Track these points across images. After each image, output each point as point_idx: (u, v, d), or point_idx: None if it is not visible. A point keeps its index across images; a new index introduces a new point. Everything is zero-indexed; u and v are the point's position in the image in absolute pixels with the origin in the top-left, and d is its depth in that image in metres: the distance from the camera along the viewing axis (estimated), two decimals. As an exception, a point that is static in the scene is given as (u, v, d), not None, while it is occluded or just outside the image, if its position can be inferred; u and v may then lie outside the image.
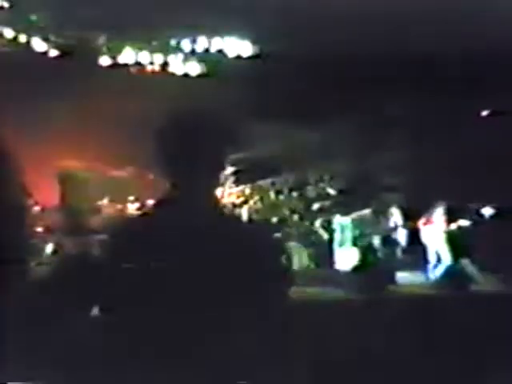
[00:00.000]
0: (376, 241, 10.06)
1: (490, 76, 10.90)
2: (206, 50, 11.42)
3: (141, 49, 11.26)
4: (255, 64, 11.45)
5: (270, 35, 11.01)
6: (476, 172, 11.16)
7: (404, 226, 10.57)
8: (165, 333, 3.03)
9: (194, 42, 11.42)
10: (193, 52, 11.43)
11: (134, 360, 3.03)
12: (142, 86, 11.26)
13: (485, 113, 11.83)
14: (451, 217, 10.31)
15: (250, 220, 10.32)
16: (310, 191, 11.50)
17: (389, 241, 10.34)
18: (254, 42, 11.40)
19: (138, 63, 11.37)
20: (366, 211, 10.23)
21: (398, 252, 10.58)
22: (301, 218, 10.36)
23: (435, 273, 10.15)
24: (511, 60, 10.06)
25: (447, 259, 10.10)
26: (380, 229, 10.27)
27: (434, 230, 10.29)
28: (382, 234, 10.19)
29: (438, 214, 10.27)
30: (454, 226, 10.25)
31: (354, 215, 10.18)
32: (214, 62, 11.45)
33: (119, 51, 11.18)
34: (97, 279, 3.21)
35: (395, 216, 10.64)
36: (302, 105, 10.80)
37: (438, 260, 10.23)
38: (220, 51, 11.41)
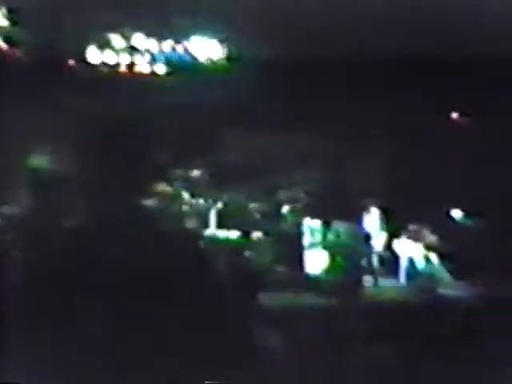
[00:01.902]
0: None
1: (460, 79, 10.92)
2: (174, 51, 11.28)
3: (105, 48, 11.09)
4: (226, 66, 11.36)
5: (242, 37, 10.92)
6: (448, 175, 11.17)
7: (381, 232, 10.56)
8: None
9: (161, 42, 11.28)
10: (160, 53, 11.29)
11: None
12: (107, 85, 11.12)
13: (455, 115, 11.83)
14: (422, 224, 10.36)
15: (220, 223, 10.25)
16: (281, 195, 11.43)
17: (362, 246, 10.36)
18: (224, 44, 11.29)
19: (104, 63, 11.18)
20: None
21: (372, 257, 10.55)
22: (270, 221, 10.27)
23: (407, 277, 10.15)
24: (482, 62, 10.09)
25: (420, 264, 10.11)
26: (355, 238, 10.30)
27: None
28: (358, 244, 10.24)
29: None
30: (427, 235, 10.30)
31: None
32: (181, 63, 11.33)
33: (83, 50, 11.00)
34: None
35: (373, 217, 10.59)
36: (272, 108, 10.73)
37: (411, 265, 10.22)
38: (188, 53, 11.29)
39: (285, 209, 10.74)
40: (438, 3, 10.36)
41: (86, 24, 11.05)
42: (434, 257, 10.29)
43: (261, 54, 10.78)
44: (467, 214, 10.80)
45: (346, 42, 10.16)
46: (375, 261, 10.44)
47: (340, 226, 10.39)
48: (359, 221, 10.77)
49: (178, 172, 10.57)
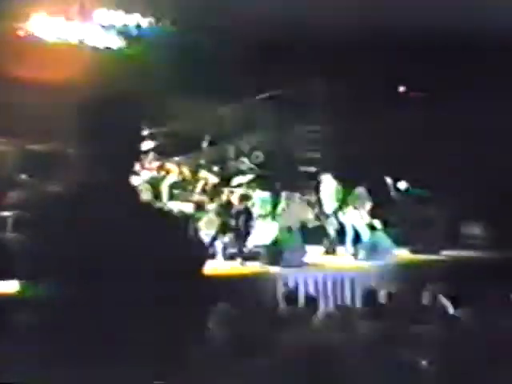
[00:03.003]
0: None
1: (410, 54, 11.08)
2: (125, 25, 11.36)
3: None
4: (175, 37, 11.42)
5: (189, 9, 10.99)
6: (397, 148, 11.40)
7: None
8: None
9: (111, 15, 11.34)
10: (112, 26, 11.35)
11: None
12: (61, 59, 11.11)
13: (402, 89, 12.02)
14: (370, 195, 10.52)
15: (172, 196, 10.24)
16: (231, 166, 11.51)
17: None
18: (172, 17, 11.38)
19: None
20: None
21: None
22: (220, 192, 10.33)
23: (354, 247, 10.34)
24: (433, 40, 10.25)
25: (365, 235, 10.29)
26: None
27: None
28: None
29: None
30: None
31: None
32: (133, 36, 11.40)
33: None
34: (11, 255, 3.14)
35: (327, 186, 10.68)
36: (221, 79, 10.82)
37: (356, 236, 10.41)
38: (138, 25, 11.36)
39: (235, 181, 10.85)
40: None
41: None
42: (378, 225, 10.48)
43: (209, 25, 10.90)
44: (413, 186, 11.06)
45: (297, 16, 10.28)
46: (331, 230, 10.60)
47: (291, 196, 10.50)
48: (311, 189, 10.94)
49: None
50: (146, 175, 10.26)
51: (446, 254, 10.55)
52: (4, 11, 10.77)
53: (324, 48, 10.97)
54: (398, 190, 11.11)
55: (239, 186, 10.67)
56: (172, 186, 10.19)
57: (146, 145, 10.39)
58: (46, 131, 10.38)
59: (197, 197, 10.24)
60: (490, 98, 10.61)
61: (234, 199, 9.97)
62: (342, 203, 10.54)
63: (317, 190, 10.89)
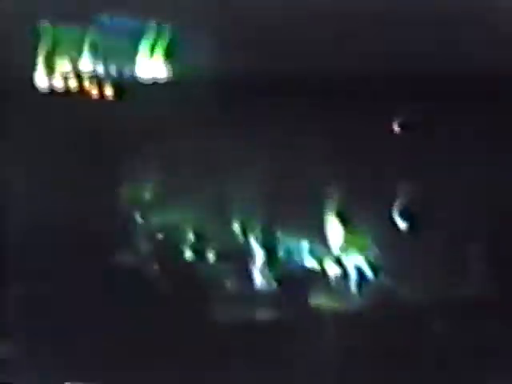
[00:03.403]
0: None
1: (399, 90, 11.17)
2: (120, 74, 11.42)
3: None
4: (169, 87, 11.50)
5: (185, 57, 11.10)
6: (389, 182, 11.44)
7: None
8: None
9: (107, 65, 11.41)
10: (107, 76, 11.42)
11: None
12: (55, 108, 11.21)
13: (396, 127, 12.06)
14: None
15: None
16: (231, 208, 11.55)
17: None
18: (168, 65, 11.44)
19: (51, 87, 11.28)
20: None
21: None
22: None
23: (357, 287, 10.36)
24: (418, 73, 10.36)
25: (369, 274, 10.33)
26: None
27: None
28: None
29: None
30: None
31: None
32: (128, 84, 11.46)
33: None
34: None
35: (331, 225, 10.69)
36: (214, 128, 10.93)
37: (359, 275, 10.44)
38: (133, 76, 11.43)
39: (235, 224, 10.90)
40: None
41: (32, 49, 11.14)
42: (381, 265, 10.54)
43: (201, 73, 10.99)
44: (407, 221, 11.09)
45: (284, 60, 10.41)
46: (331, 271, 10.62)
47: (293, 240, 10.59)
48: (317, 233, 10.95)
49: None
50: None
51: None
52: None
53: (318, 89, 11.06)
54: (397, 228, 11.15)
55: (238, 232, 10.72)
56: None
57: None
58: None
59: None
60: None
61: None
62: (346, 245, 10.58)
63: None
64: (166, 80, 11.26)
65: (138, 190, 10.82)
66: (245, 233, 10.58)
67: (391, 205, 11.11)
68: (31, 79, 11.18)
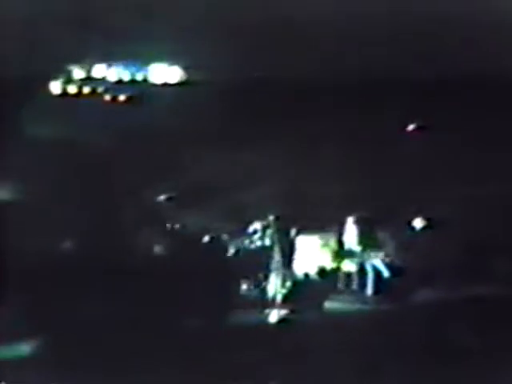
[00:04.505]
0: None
1: (417, 91, 11.20)
2: (133, 78, 11.51)
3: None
4: (183, 91, 11.56)
5: (198, 62, 11.14)
6: (403, 185, 11.43)
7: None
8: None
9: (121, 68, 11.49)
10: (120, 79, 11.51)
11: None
12: (70, 114, 11.30)
13: (411, 127, 12.06)
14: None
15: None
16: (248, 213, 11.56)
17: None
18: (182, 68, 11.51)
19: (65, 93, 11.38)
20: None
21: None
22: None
23: (373, 288, 10.30)
24: (437, 75, 10.37)
25: (385, 272, 10.27)
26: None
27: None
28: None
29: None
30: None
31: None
32: (141, 88, 11.53)
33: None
34: None
35: (350, 229, 10.67)
36: (227, 131, 10.97)
37: (377, 275, 10.37)
38: (146, 79, 11.51)
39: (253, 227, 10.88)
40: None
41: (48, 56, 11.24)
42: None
43: (220, 77, 11.04)
44: (427, 224, 11.05)
45: (299, 62, 10.46)
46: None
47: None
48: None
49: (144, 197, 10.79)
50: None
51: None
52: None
53: (331, 90, 11.11)
54: (413, 228, 11.12)
55: (255, 232, 10.71)
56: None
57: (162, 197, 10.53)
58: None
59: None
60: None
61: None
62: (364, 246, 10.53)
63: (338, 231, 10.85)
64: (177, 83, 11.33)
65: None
66: (264, 232, 10.58)
67: (408, 206, 11.09)
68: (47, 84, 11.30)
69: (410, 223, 11.15)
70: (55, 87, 11.38)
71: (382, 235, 10.56)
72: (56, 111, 11.18)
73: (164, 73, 11.54)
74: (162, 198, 10.74)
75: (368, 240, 10.48)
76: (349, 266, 10.37)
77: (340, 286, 10.44)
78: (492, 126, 11.28)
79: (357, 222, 10.55)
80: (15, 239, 10.06)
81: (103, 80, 11.47)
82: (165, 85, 11.65)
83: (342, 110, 11.60)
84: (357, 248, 10.44)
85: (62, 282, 9.74)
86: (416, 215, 11.18)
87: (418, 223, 11.12)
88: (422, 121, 11.91)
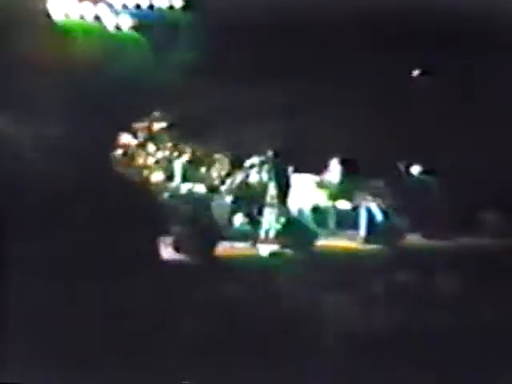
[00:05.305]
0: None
1: (422, 35, 11.07)
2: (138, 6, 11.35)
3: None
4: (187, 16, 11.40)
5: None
6: (406, 132, 11.36)
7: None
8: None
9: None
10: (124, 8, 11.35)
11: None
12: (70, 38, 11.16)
13: (416, 73, 11.95)
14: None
15: (185, 177, 10.35)
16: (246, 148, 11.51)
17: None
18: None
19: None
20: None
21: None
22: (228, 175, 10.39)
23: (366, 229, 10.32)
24: (445, 18, 10.25)
25: (379, 216, 10.29)
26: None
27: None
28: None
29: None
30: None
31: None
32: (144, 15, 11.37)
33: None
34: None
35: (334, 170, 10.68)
36: (236, 60, 10.83)
37: (370, 216, 10.39)
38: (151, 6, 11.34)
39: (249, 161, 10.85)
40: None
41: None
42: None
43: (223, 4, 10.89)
44: (425, 171, 11.02)
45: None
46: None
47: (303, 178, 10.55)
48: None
49: (143, 124, 10.71)
50: (159, 155, 10.32)
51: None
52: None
53: (340, 33, 10.97)
54: (410, 174, 11.08)
55: (252, 167, 10.67)
56: (185, 167, 10.27)
57: (159, 125, 10.44)
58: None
59: (210, 178, 10.30)
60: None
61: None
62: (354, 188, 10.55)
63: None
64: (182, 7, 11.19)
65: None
66: (261, 167, 10.57)
67: (408, 152, 11.04)
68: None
69: (407, 169, 11.13)
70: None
71: (376, 181, 10.57)
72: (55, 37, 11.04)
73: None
74: (162, 124, 10.67)
75: (352, 182, 10.51)
76: (344, 204, 10.40)
77: (332, 224, 10.45)
78: (496, 74, 11.14)
79: (341, 163, 10.60)
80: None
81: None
82: (170, 8, 11.49)
83: (349, 53, 11.47)
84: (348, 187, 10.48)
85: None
86: (415, 162, 11.15)
87: (416, 170, 11.09)
88: (427, 66, 11.80)
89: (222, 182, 10.31)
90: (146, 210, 9.96)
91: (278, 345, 8.89)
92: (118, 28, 11.35)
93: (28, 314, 8.76)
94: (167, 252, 9.60)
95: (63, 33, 11.26)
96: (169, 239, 9.69)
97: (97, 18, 11.28)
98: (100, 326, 8.71)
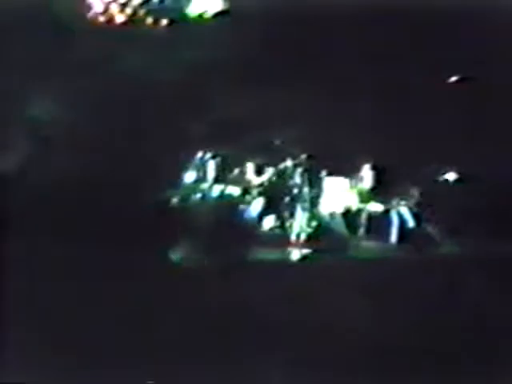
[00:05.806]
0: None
1: (459, 41, 10.99)
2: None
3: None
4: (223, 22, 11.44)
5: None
6: (443, 139, 11.28)
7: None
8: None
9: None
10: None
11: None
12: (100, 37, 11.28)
13: (453, 79, 11.85)
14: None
15: (217, 179, 10.39)
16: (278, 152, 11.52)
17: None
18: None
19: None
20: None
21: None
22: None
23: (396, 235, 10.23)
24: (481, 24, 10.15)
25: (410, 222, 10.20)
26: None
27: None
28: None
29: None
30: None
31: None
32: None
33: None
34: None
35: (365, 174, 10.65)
36: (268, 64, 10.85)
37: (401, 222, 10.30)
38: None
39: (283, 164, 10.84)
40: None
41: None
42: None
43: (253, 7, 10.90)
44: (460, 178, 10.90)
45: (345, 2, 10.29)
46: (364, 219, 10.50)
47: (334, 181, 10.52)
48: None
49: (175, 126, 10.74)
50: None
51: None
52: None
53: (373, 37, 10.93)
54: (446, 181, 10.97)
55: (285, 170, 10.68)
56: (218, 168, 10.34)
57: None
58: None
59: (243, 180, 10.36)
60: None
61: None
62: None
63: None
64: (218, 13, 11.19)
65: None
66: (294, 170, 10.57)
67: (442, 158, 10.94)
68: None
69: (443, 176, 11.02)
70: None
71: (409, 186, 10.50)
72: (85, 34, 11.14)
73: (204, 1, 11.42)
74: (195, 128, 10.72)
75: (384, 188, 10.44)
76: (375, 207, 10.31)
77: (363, 230, 10.36)
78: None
79: (373, 169, 10.56)
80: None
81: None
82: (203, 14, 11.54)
83: (387, 56, 11.41)
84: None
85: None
86: (450, 168, 11.03)
87: (451, 176, 10.97)
88: (465, 72, 11.70)
89: (255, 185, 10.34)
90: (170, 211, 10.00)
91: (306, 349, 8.85)
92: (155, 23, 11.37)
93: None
94: (194, 254, 9.58)
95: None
96: (196, 242, 9.67)
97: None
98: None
